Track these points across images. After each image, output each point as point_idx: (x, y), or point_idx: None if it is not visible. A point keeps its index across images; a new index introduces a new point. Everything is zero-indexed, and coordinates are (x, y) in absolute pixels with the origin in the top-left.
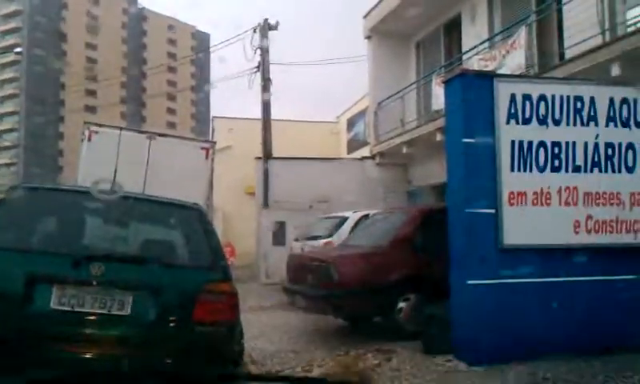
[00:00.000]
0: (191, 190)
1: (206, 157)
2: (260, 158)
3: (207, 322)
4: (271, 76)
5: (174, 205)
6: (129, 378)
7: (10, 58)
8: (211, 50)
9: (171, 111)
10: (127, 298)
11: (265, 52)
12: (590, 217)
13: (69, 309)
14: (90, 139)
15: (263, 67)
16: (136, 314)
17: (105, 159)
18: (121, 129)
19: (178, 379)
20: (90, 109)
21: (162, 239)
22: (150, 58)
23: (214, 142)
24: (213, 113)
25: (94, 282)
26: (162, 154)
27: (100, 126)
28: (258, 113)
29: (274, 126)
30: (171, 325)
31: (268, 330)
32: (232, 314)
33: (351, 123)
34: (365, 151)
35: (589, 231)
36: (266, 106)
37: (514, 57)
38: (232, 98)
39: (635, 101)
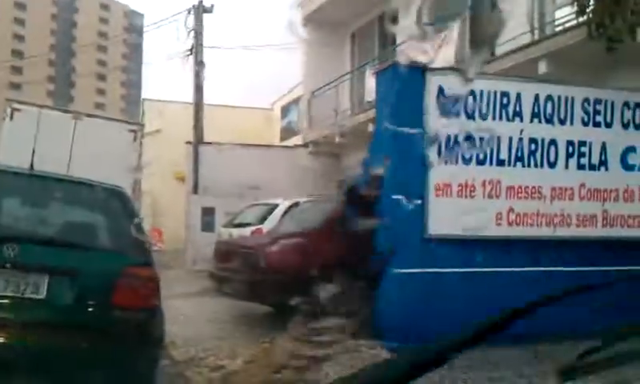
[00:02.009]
0: (118, 173)
1: (134, 139)
2: (190, 142)
3: (126, 307)
4: (205, 60)
5: (95, 186)
6: (44, 362)
7: None
8: (144, 30)
9: (100, 92)
10: (42, 281)
11: (199, 35)
12: (511, 209)
13: None
14: (11, 117)
15: (196, 50)
16: (51, 298)
17: (27, 138)
18: (44, 107)
19: (97, 364)
20: (15, 86)
21: (82, 221)
22: (81, 37)
23: (143, 125)
24: (144, 95)
25: (7, 264)
26: (87, 135)
27: (23, 103)
28: (190, 97)
29: (207, 110)
30: (89, 309)
31: (193, 316)
32: (152, 299)
33: (285, 111)
34: (298, 140)
35: (510, 223)
36: (198, 90)
37: (446, 51)
38: (164, 80)
39: (559, 98)
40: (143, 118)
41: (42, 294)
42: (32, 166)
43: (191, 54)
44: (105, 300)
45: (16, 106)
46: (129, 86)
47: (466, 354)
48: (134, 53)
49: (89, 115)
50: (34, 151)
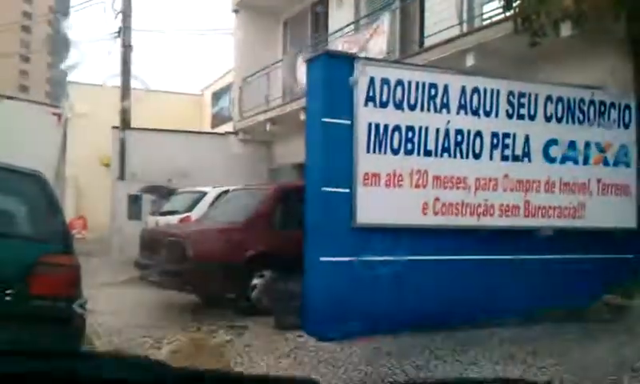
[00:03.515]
0: (40, 158)
1: (58, 122)
2: (117, 127)
3: (45, 296)
4: (133, 42)
5: (13, 171)
6: None
7: None
8: (71, 11)
9: (24, 73)
10: None
11: (127, 17)
12: (437, 199)
13: None
14: None
15: (124, 33)
16: None
17: None
18: None
19: (15, 355)
20: None
21: None
22: (2, 16)
23: (67, 108)
24: (70, 78)
25: None
26: (8, 118)
27: None
28: (117, 81)
29: (135, 95)
30: (6, 298)
31: (118, 305)
32: (72, 288)
33: (216, 97)
34: (229, 127)
35: (436, 213)
36: (126, 74)
37: (377, 42)
38: (91, 64)
39: (485, 90)
40: (69, 102)
41: None
42: None
43: (119, 36)
44: (22, 289)
45: None
46: (54, 68)
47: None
48: (60, 34)
49: (9, 97)
50: None
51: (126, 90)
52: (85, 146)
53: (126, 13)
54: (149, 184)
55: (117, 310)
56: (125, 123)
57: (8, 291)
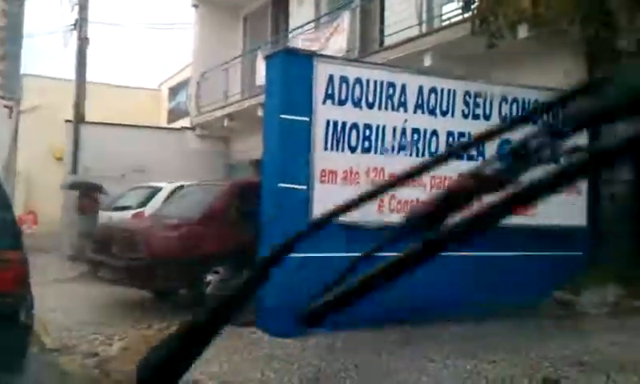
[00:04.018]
0: None
1: (9, 116)
2: (70, 121)
3: None
4: (89, 35)
5: None
6: None
7: None
8: (25, 1)
9: None
10: None
11: (83, 9)
12: (393, 197)
13: None
14: None
15: (80, 25)
16: None
17: None
18: None
19: None
20: None
21: None
22: None
23: (18, 100)
24: (23, 70)
25: None
26: None
27: None
28: (72, 74)
29: (90, 88)
30: None
31: (68, 302)
32: (20, 284)
33: (173, 92)
34: (186, 122)
35: (392, 210)
36: (81, 67)
37: (337, 40)
38: (46, 56)
39: (442, 90)
40: (22, 94)
41: None
42: None
43: (75, 28)
44: None
45: None
46: (7, 60)
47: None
48: (14, 24)
49: None
50: None
51: (81, 83)
52: (38, 140)
53: (83, 5)
54: (74, 180)
55: (67, 307)
56: (79, 117)
57: None
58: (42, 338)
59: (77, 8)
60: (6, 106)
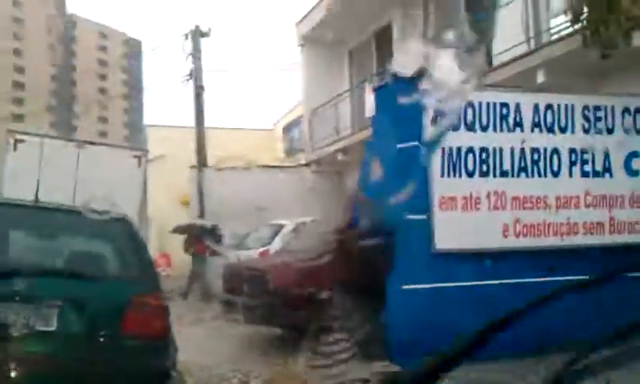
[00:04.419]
0: (123, 200)
1: (139, 165)
2: (194, 166)
3: (136, 335)
4: (204, 83)
5: (101, 216)
6: None
7: None
8: (143, 57)
9: (103, 120)
10: (52, 313)
11: (197, 59)
12: (518, 220)
13: None
14: (15, 148)
15: (195, 74)
16: (62, 329)
17: (31, 169)
18: (47, 137)
19: None
20: (18, 117)
21: (89, 251)
22: (80, 65)
23: (147, 150)
24: (146, 121)
25: (17, 298)
26: (91, 163)
27: (25, 134)
28: (192, 121)
29: (209, 133)
30: (99, 339)
31: (205, 341)
32: (162, 326)
33: (287, 130)
34: (301, 159)
35: (517, 235)
36: (200, 114)
37: None
38: (166, 106)
39: (559, 107)
40: (146, 144)
41: (53, 326)
42: (37, 197)
43: (190, 78)
44: (114, 329)
45: (19, 136)
46: (130, 113)
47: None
48: (134, 79)
49: (92, 143)
50: (38, 182)
51: (200, 129)
52: (164, 185)
53: (196, 55)
54: (180, 224)
55: (204, 347)
56: (201, 162)
57: (101, 332)
58: (185, 378)
59: (190, 58)
60: (135, 156)
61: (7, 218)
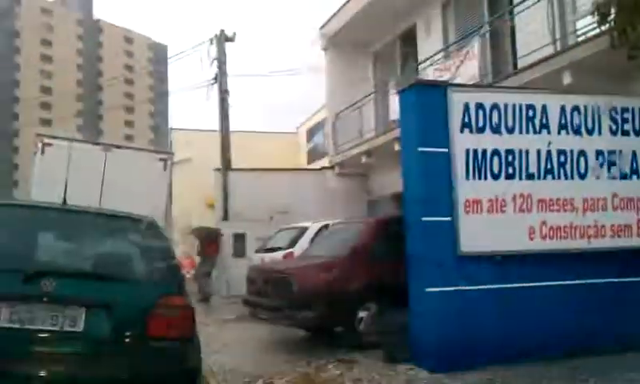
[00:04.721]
0: (150, 202)
1: (164, 168)
2: (219, 169)
3: (162, 337)
4: (229, 87)
5: (127, 218)
6: None
7: None
8: (168, 61)
9: (129, 124)
10: (79, 314)
11: (222, 63)
12: (544, 223)
13: (19, 326)
14: (42, 152)
15: (220, 79)
16: (89, 330)
17: (58, 172)
18: (74, 141)
19: None
20: (46, 122)
21: (115, 253)
22: (107, 70)
23: (172, 153)
24: (171, 125)
25: (45, 299)
26: (118, 166)
27: (53, 138)
28: (216, 124)
29: (233, 137)
30: (125, 340)
31: (229, 343)
32: (187, 328)
33: (310, 134)
34: (325, 162)
35: (544, 237)
36: (224, 118)
37: (468, 67)
38: (191, 109)
39: (586, 108)
40: (172, 148)
41: (80, 327)
42: (65, 200)
43: (215, 82)
44: (140, 331)
45: (47, 140)
46: (156, 117)
47: None
48: (160, 84)
49: (118, 146)
50: (66, 185)
51: (225, 133)
52: (189, 188)
53: (221, 59)
54: (195, 227)
55: (229, 348)
56: (226, 165)
57: (127, 333)
58: (209, 380)
59: (215, 63)
60: (160, 159)
61: (36, 221)
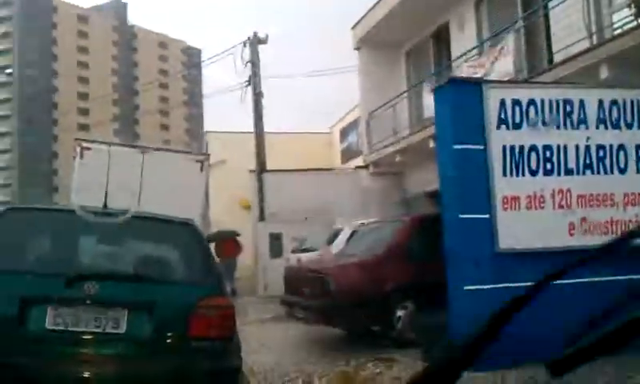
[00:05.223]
0: (187, 204)
1: (201, 169)
2: (254, 171)
3: (203, 337)
4: (263, 89)
5: (167, 221)
6: None
7: (2, 79)
8: (202, 65)
9: (164, 127)
10: (122, 316)
11: (255, 66)
12: (584, 219)
13: (63, 328)
14: (81, 156)
15: (254, 81)
16: (131, 332)
17: (97, 176)
18: (112, 144)
19: None
20: (83, 127)
21: (156, 256)
22: (142, 75)
23: (208, 155)
24: (206, 128)
25: (88, 301)
26: (155, 169)
27: (91, 142)
28: (250, 126)
29: (268, 138)
30: (167, 341)
31: (268, 342)
32: (228, 328)
33: (344, 133)
34: (359, 161)
35: (584, 233)
36: (259, 120)
37: (503, 63)
38: (225, 112)
39: (624, 102)
40: (208, 150)
41: (122, 329)
42: (105, 204)
43: (249, 84)
44: (182, 332)
45: (85, 144)
46: (191, 120)
47: None
48: (194, 87)
49: (156, 149)
50: (107, 189)
51: (259, 134)
52: (225, 190)
53: (255, 62)
54: (210, 233)
55: (268, 347)
56: (261, 166)
57: (169, 334)
58: (249, 379)
59: (249, 66)
60: (197, 161)
61: (77, 225)
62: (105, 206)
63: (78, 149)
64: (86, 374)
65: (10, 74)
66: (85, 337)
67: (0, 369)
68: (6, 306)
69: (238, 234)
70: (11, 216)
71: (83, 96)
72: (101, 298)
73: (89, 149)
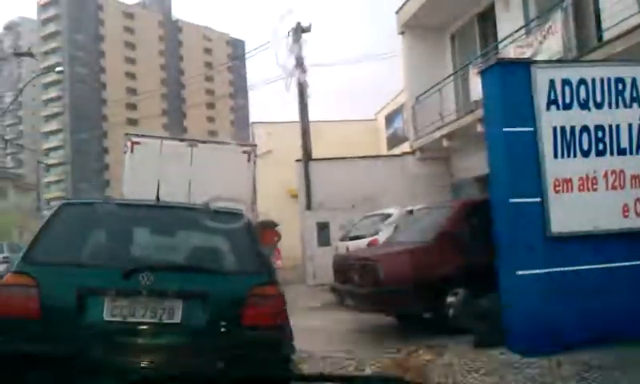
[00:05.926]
0: (236, 195)
1: (248, 160)
2: (300, 160)
3: (256, 326)
4: (308, 77)
5: (217, 211)
6: None
7: (53, 77)
8: (247, 56)
9: (211, 119)
10: (177, 306)
11: (299, 55)
12: (639, 199)
13: (121, 319)
14: (132, 150)
15: (298, 70)
16: (186, 322)
17: (148, 169)
18: (162, 138)
19: None
20: (132, 122)
21: (208, 246)
22: (188, 68)
23: (255, 145)
24: (252, 118)
25: (144, 292)
26: (204, 161)
27: (141, 136)
28: (296, 115)
29: (313, 126)
30: (221, 330)
31: (318, 330)
32: (280, 316)
33: (389, 120)
34: (405, 147)
35: (639, 214)
36: (304, 109)
37: (551, 42)
38: (270, 102)
39: None
40: (254, 141)
41: (178, 319)
42: (158, 197)
43: (295, 73)
44: (236, 321)
45: (135, 139)
46: (237, 111)
47: None
48: (239, 78)
49: (203, 141)
50: (159, 182)
51: (305, 123)
52: (272, 180)
53: (299, 51)
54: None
55: (318, 335)
56: (307, 156)
57: (223, 323)
58: (301, 366)
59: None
60: (244, 152)
61: (131, 218)
62: (157, 198)
63: (129, 143)
64: (144, 364)
65: (60, 72)
66: (141, 327)
67: (59, 359)
68: (65, 298)
69: (276, 225)
70: (67, 211)
71: (131, 91)
72: (156, 289)
73: (138, 143)
